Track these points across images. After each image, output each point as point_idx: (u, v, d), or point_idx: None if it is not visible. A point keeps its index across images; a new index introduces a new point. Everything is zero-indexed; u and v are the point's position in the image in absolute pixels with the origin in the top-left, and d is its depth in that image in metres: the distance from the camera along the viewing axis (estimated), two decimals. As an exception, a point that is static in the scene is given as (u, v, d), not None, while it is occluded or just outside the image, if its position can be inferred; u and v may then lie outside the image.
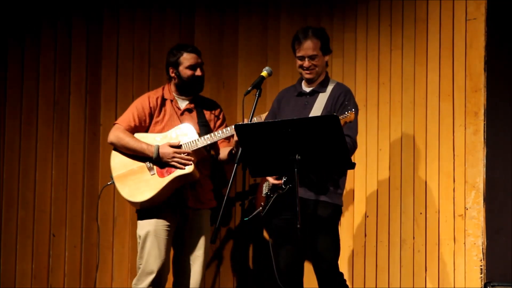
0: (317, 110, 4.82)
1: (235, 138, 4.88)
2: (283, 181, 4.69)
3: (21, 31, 5.98)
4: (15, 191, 5.92)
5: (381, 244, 5.54)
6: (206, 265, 5.17)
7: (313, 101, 4.88)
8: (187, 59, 5.15)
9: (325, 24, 5.75)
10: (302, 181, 4.70)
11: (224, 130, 5.05)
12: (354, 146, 4.84)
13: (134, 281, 5.11)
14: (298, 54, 4.90)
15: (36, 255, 5.87)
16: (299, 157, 4.21)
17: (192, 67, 5.15)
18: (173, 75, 5.19)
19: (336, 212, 4.85)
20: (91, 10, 6.01)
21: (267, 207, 4.73)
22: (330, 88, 4.91)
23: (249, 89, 4.53)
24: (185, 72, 5.15)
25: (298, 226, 4.23)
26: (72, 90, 5.98)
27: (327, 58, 4.96)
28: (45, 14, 5.99)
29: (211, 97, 5.89)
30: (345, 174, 4.92)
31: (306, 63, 4.88)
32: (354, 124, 4.76)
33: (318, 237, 4.75)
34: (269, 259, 4.83)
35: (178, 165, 4.99)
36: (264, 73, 4.66)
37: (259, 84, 4.57)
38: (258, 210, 4.79)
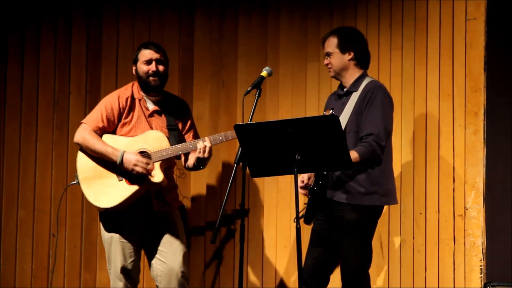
0: (348, 110, 4.72)
1: (198, 153, 4.84)
2: (313, 179, 4.66)
3: (21, 31, 5.98)
4: (15, 191, 5.92)
5: (381, 244, 5.53)
6: (189, 257, 5.05)
7: (347, 101, 4.77)
8: (143, 55, 5.04)
9: (325, 24, 5.74)
10: (330, 182, 4.67)
11: (194, 141, 4.93)
12: (379, 145, 4.63)
13: (110, 286, 5.06)
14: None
15: (36, 255, 5.87)
16: (299, 157, 4.20)
17: (147, 62, 5.02)
18: (134, 73, 5.09)
19: (367, 214, 4.68)
20: (91, 9, 6.02)
21: (304, 208, 4.71)
22: (362, 86, 4.77)
23: (249, 89, 4.51)
24: (141, 68, 5.03)
25: (298, 226, 4.22)
26: (72, 90, 5.99)
27: (348, 56, 4.80)
28: (45, 14, 6.00)
29: (211, 97, 5.88)
30: (378, 169, 4.71)
31: (324, 61, 4.86)
32: (377, 118, 4.65)
33: (343, 242, 4.68)
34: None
35: (140, 173, 4.85)
36: (264, 73, 4.64)
37: (259, 84, 4.55)
38: (303, 209, 4.73)
